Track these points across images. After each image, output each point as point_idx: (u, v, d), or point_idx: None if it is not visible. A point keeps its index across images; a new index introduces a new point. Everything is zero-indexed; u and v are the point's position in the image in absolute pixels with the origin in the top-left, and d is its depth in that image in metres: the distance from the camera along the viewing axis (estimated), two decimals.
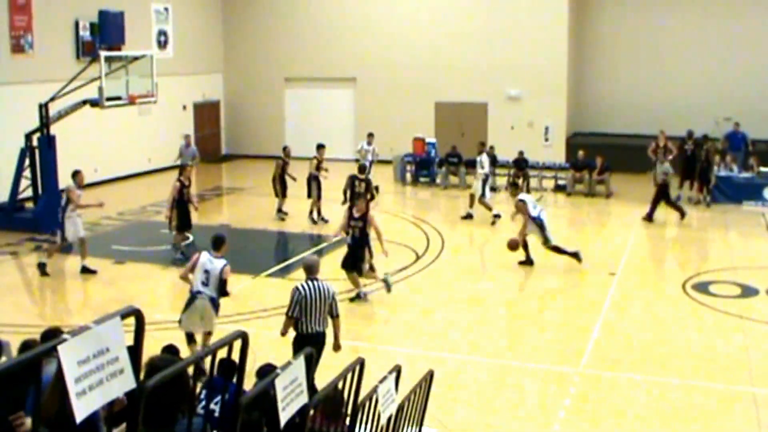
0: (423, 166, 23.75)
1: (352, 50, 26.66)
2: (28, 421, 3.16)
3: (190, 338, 9.86)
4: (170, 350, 7.17)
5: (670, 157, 20.35)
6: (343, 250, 13.20)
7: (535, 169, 22.78)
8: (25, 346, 5.31)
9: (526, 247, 14.72)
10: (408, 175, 23.76)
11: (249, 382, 4.14)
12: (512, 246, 14.47)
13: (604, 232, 19.09)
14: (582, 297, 13.26)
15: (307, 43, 27.06)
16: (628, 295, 13.36)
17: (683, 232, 18.57)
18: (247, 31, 27.81)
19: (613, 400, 9.32)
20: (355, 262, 12.72)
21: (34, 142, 17.64)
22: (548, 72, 24.63)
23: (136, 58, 18.51)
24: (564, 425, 8.66)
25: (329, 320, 8.84)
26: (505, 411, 9.08)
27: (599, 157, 21.65)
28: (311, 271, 8.90)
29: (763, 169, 20.59)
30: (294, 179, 18.48)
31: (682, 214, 18.42)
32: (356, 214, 12.72)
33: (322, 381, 5.64)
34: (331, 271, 12.88)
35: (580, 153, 22.28)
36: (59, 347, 2.28)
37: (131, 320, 2.64)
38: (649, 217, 18.45)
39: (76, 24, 21.57)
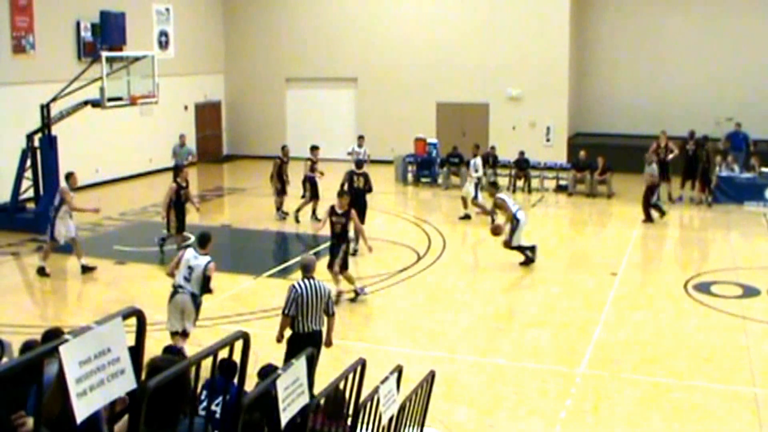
0: (424, 167, 23.76)
1: (353, 51, 26.67)
2: (30, 422, 3.16)
3: (175, 334, 9.90)
4: (171, 351, 7.18)
5: (671, 156, 20.38)
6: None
7: (536, 169, 22.78)
8: (27, 346, 5.31)
9: (522, 248, 14.78)
10: (409, 176, 23.78)
11: (250, 383, 4.13)
12: (495, 231, 15.18)
13: (605, 233, 19.10)
14: (583, 297, 13.24)
15: (308, 44, 27.07)
16: (629, 296, 13.36)
17: (684, 233, 18.54)
18: (249, 32, 27.82)
19: (615, 401, 9.31)
20: (345, 260, 12.65)
21: (36, 143, 17.65)
22: (549, 72, 24.63)
23: (137, 59, 18.51)
24: (565, 425, 8.65)
25: (325, 319, 8.86)
26: (506, 411, 9.08)
27: (601, 158, 21.63)
28: (308, 269, 8.92)
29: (764, 169, 20.55)
30: (287, 181, 18.51)
31: (662, 213, 18.51)
32: (339, 210, 12.62)
33: (323, 381, 5.63)
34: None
35: (582, 153, 22.25)
36: (60, 348, 2.28)
37: (132, 321, 2.64)
38: (648, 219, 18.45)
39: (78, 24, 21.60)
